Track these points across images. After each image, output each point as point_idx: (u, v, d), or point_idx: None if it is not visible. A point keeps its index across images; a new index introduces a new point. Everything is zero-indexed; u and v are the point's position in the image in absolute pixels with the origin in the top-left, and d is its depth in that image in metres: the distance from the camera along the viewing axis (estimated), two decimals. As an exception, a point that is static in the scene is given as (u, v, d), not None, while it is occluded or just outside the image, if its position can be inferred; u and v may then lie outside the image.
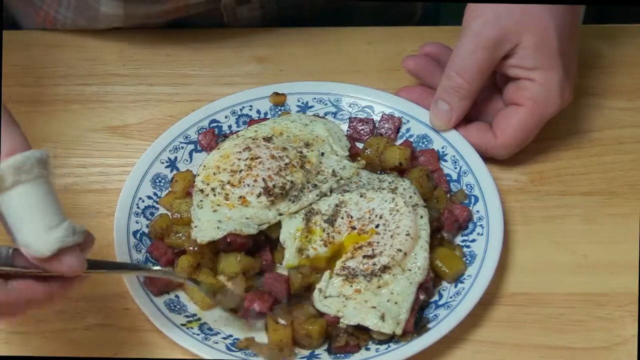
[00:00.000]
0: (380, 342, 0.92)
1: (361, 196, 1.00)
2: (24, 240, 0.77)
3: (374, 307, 0.92)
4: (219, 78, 1.21)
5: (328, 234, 0.98)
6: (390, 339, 0.92)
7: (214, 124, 1.11)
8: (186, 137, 1.10)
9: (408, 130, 1.11)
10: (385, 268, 0.94)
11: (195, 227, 0.98)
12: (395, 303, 0.92)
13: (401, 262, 0.95)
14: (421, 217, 0.98)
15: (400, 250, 0.95)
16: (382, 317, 0.91)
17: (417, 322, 0.92)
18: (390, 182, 1.02)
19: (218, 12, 1.24)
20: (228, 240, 0.95)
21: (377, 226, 0.98)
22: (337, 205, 1.00)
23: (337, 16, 1.31)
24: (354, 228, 0.98)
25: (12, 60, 1.21)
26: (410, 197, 1.00)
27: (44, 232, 0.76)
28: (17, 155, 0.77)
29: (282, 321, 0.92)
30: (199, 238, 0.96)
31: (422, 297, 0.94)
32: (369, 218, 0.99)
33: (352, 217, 0.99)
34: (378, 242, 0.96)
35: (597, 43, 1.22)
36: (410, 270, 0.95)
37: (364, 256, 0.95)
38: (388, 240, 0.96)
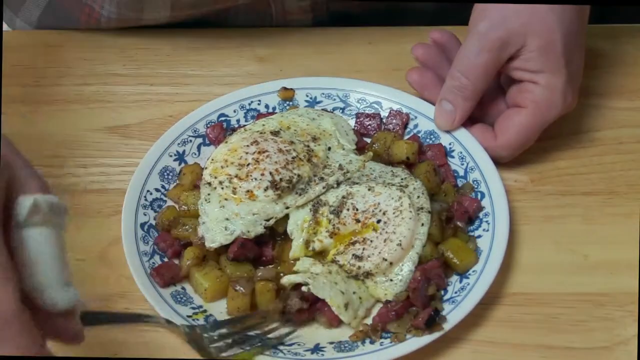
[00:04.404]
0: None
1: (369, 189, 1.00)
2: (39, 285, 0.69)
3: (342, 292, 0.93)
4: (219, 78, 1.21)
5: (334, 225, 0.98)
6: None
7: (223, 118, 1.12)
8: (195, 131, 1.10)
9: (416, 126, 1.11)
10: (368, 274, 0.95)
11: (203, 223, 0.99)
12: (360, 298, 0.94)
13: (385, 271, 0.95)
14: (422, 224, 0.98)
15: (386, 260, 0.95)
16: (346, 306, 0.92)
17: (431, 320, 0.91)
18: (402, 179, 1.02)
19: (267, 8, 1.24)
20: (236, 249, 0.96)
21: (378, 221, 0.98)
22: (344, 197, 1.00)
23: (387, 16, 1.28)
24: (358, 220, 0.99)
25: (12, 60, 1.21)
26: (418, 197, 1.00)
27: (61, 286, 0.70)
28: (52, 196, 0.70)
29: (241, 289, 0.93)
30: (208, 244, 0.97)
31: (430, 287, 0.93)
32: (373, 212, 0.99)
33: (357, 210, 0.99)
34: (372, 241, 0.97)
35: (597, 43, 1.22)
36: (392, 280, 0.95)
37: (353, 255, 0.96)
38: (380, 244, 0.96)
